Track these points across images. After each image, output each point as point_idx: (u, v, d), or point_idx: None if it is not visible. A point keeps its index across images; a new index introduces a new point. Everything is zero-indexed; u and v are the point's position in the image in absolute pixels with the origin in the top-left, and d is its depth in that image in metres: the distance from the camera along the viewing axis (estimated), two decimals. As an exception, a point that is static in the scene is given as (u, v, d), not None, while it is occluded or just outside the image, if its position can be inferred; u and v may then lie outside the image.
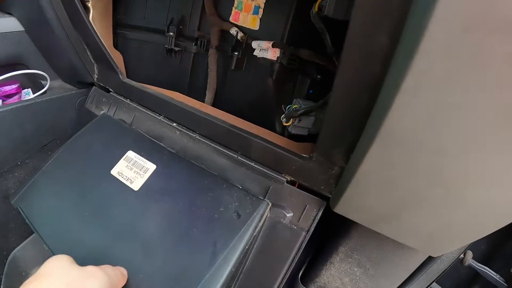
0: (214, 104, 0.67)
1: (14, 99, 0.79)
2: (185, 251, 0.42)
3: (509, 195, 0.28)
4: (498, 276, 0.65)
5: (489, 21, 0.19)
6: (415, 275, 0.52)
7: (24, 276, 0.84)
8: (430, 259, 0.50)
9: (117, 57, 0.70)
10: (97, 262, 0.41)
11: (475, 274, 0.72)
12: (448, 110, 0.23)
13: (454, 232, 0.34)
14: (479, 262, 0.66)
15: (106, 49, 0.64)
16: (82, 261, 0.39)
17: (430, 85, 0.22)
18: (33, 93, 0.77)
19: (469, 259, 0.56)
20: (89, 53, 0.69)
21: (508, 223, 0.31)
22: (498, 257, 0.72)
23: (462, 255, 0.55)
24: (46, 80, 0.78)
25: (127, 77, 0.67)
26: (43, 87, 0.78)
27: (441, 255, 0.50)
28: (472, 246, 0.54)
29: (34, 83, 0.84)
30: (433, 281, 0.53)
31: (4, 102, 0.77)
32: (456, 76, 0.21)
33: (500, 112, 0.22)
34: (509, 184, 0.27)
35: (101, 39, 0.64)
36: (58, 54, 0.74)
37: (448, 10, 0.19)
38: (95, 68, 0.71)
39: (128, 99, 0.65)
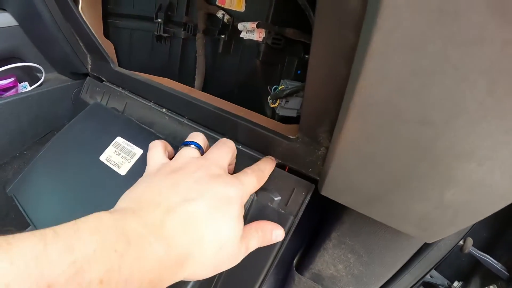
0: (204, 89, 0.66)
1: (11, 92, 0.80)
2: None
3: (506, 171, 0.25)
4: (499, 264, 0.64)
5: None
6: (412, 262, 0.50)
7: None
8: (426, 246, 0.49)
9: (108, 47, 0.70)
10: None
11: (476, 262, 0.71)
12: (422, 73, 0.21)
13: (446, 215, 0.32)
14: (480, 250, 0.65)
15: (97, 39, 0.64)
16: None
17: (399, 46, 0.20)
18: (30, 86, 0.78)
19: (469, 247, 0.55)
20: (81, 44, 0.69)
21: (506, 205, 0.28)
22: (500, 245, 0.70)
23: (461, 242, 0.54)
24: (41, 72, 0.78)
25: (120, 65, 0.67)
26: (39, 80, 0.79)
27: (438, 242, 0.48)
28: (473, 234, 0.52)
29: (31, 76, 0.85)
30: (431, 269, 0.51)
31: (1, 96, 0.78)
32: (426, 33, 0.20)
33: (484, 71, 0.20)
34: (505, 158, 0.24)
35: (91, 29, 0.63)
36: (51, 46, 0.74)
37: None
38: (88, 58, 0.71)
39: (120, 88, 0.65)
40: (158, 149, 0.42)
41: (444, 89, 0.22)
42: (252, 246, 0.38)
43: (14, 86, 0.81)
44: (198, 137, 0.42)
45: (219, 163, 0.39)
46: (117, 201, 0.37)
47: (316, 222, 0.60)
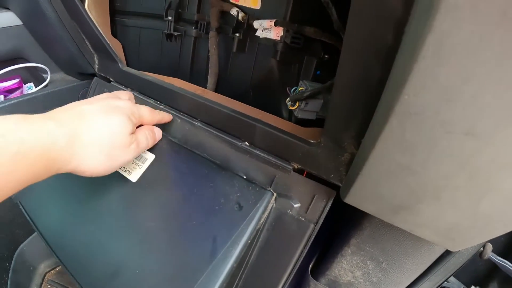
0: (216, 89, 0.64)
1: (16, 94, 0.79)
2: (183, 246, 0.40)
3: None
4: (518, 270, 0.62)
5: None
6: (432, 269, 0.49)
7: (31, 270, 0.85)
8: (448, 252, 0.47)
9: (116, 46, 0.68)
10: (94, 256, 0.43)
11: (493, 267, 0.70)
12: (478, 82, 0.19)
13: (477, 226, 0.31)
14: (498, 255, 0.63)
15: (104, 38, 0.63)
16: (79, 255, 0.39)
17: (455, 50, 0.19)
18: (36, 87, 0.77)
19: (489, 252, 0.54)
20: (88, 43, 0.68)
21: None
22: (517, 250, 0.69)
23: (481, 248, 0.53)
24: (47, 73, 0.77)
25: (128, 65, 0.66)
26: (45, 80, 0.78)
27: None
28: (491, 239, 0.51)
29: (36, 77, 0.85)
30: (450, 275, 0.50)
31: (6, 98, 0.77)
32: (487, 38, 0.18)
33: None
34: None
35: (98, 27, 0.62)
36: (57, 46, 0.73)
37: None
38: (95, 58, 0.70)
39: (128, 88, 0.63)
40: None
41: (496, 99, 0.20)
42: (142, 142, 0.46)
43: (19, 87, 0.80)
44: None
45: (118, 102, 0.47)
46: (128, 207, 0.45)
47: (332, 226, 0.59)
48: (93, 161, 0.39)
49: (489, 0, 0.17)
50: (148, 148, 0.48)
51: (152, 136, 0.48)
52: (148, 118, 0.48)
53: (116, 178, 0.48)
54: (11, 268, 0.79)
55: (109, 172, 0.42)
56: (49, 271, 0.87)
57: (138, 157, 0.49)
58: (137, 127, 0.48)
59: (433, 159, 0.26)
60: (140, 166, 0.47)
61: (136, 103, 0.59)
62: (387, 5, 0.23)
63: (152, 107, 0.56)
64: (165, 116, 0.52)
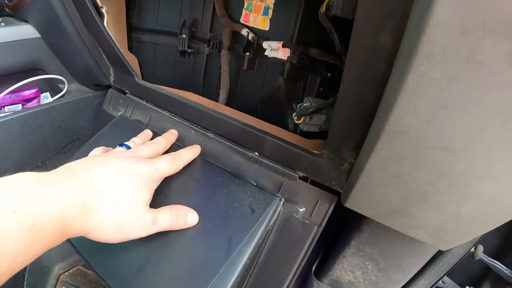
0: (227, 103, 0.68)
1: (33, 103, 0.83)
2: (203, 244, 0.44)
3: None
4: (509, 270, 0.66)
5: (485, 23, 0.20)
6: (426, 268, 0.53)
7: (46, 272, 0.87)
8: (440, 253, 0.51)
9: (132, 60, 0.72)
10: (119, 255, 0.46)
11: (487, 269, 0.73)
12: (449, 108, 0.24)
13: (462, 226, 0.35)
14: (490, 257, 0.67)
15: (122, 53, 0.66)
16: (104, 254, 0.43)
17: (430, 86, 0.23)
18: (51, 97, 0.81)
19: (480, 254, 0.57)
20: (104, 57, 0.72)
21: None
22: (509, 252, 0.73)
23: (473, 250, 0.56)
24: (64, 83, 0.81)
25: (143, 79, 0.69)
26: (61, 91, 0.81)
27: (451, 249, 0.51)
28: (484, 241, 0.55)
29: (52, 87, 0.88)
30: (444, 275, 0.54)
31: (24, 106, 0.81)
32: (455, 77, 0.22)
33: (500, 109, 0.23)
34: None
35: (116, 43, 0.66)
36: (74, 59, 0.77)
37: (445, 14, 0.20)
38: (111, 71, 0.74)
39: (144, 100, 0.67)
40: (96, 151, 0.51)
41: (466, 122, 0.25)
42: (162, 222, 0.43)
43: (36, 96, 0.83)
44: (132, 141, 0.53)
45: (139, 154, 0.47)
46: None
47: (334, 230, 0.62)
48: (104, 231, 0.38)
49: (456, 49, 0.21)
50: (170, 229, 0.45)
51: (178, 220, 0.45)
52: (170, 171, 0.47)
53: None
54: (27, 270, 0.81)
55: (124, 241, 0.40)
56: (63, 272, 0.89)
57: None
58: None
59: (418, 169, 0.31)
60: (159, 173, 0.52)
61: (151, 115, 0.63)
62: (380, 42, 0.28)
63: (167, 119, 0.61)
64: (189, 156, 0.52)
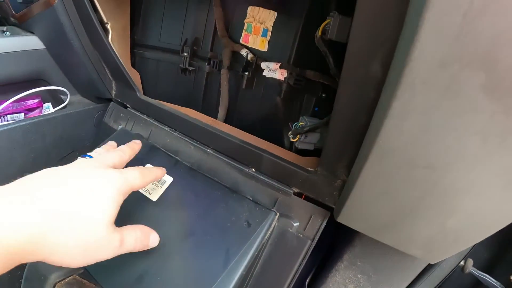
0: (226, 120, 0.70)
1: (36, 112, 0.83)
2: (201, 256, 0.46)
3: (495, 203, 0.31)
4: (498, 283, 0.67)
5: (462, 58, 0.22)
6: (417, 281, 0.54)
7: (43, 280, 0.87)
8: (430, 266, 0.53)
9: (134, 75, 0.74)
10: (119, 264, 0.46)
11: (477, 282, 0.74)
12: (430, 132, 0.27)
13: (448, 239, 0.37)
14: (480, 270, 0.68)
15: (125, 68, 0.68)
16: (104, 264, 0.43)
17: (413, 111, 0.26)
18: (53, 107, 0.82)
19: (470, 267, 0.59)
20: (107, 71, 0.73)
21: (498, 229, 0.34)
22: (499, 265, 0.74)
23: (462, 263, 0.58)
24: (66, 95, 0.82)
25: (144, 94, 0.71)
26: (63, 102, 0.82)
27: (441, 263, 0.53)
28: (474, 254, 0.56)
29: (54, 97, 0.88)
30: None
31: (26, 116, 0.82)
32: (435, 104, 0.25)
33: (477, 132, 0.25)
34: (493, 194, 0.30)
35: (119, 58, 0.68)
36: (77, 71, 0.78)
37: (426, 48, 0.23)
38: (113, 85, 0.75)
39: (145, 115, 0.69)
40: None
41: (447, 143, 0.27)
42: (128, 242, 0.39)
43: (38, 106, 0.84)
44: (95, 151, 0.50)
45: (104, 162, 0.42)
46: (150, 223, 0.43)
47: (327, 244, 0.64)
48: (63, 256, 0.33)
49: (435, 80, 0.24)
50: (132, 251, 0.40)
51: (142, 241, 0.42)
52: (140, 184, 0.42)
53: (137, 197, 0.53)
54: (23, 276, 0.81)
55: (89, 264, 0.36)
56: (59, 281, 0.89)
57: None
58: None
59: (404, 185, 0.33)
60: (160, 187, 0.53)
61: (152, 130, 0.65)
62: (370, 71, 0.31)
63: (167, 134, 0.62)
64: (158, 174, 0.48)
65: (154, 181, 0.52)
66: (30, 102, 0.83)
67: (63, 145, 0.80)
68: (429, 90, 0.24)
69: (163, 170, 0.50)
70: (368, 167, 0.33)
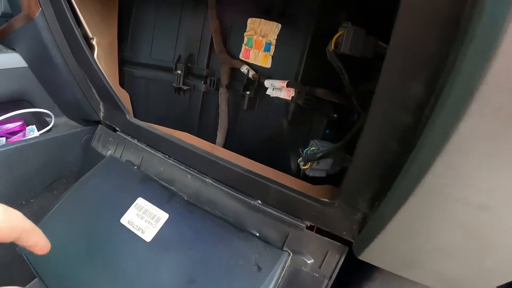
0: (225, 145, 0.66)
1: (19, 136, 0.79)
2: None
3: None
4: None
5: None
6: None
7: None
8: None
9: (123, 96, 0.69)
10: None
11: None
12: (491, 166, 0.22)
13: (480, 279, 0.34)
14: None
15: (112, 88, 0.64)
16: None
17: (478, 146, 0.21)
18: (38, 130, 0.77)
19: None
20: (94, 91, 0.69)
21: None
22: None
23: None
24: (51, 117, 0.78)
25: (135, 116, 0.67)
26: (48, 124, 0.78)
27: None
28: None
29: (39, 119, 0.85)
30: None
31: (8, 140, 0.77)
32: (502, 134, 0.20)
33: None
34: None
35: (106, 77, 0.64)
36: (62, 91, 0.74)
37: (503, 71, 0.18)
38: (100, 106, 0.71)
39: (135, 139, 0.64)
40: None
41: (506, 179, 0.23)
42: None
43: (21, 130, 0.80)
44: None
45: None
46: (143, 268, 0.40)
47: (342, 276, 0.60)
48: None
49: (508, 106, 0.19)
50: None
51: None
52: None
53: (129, 236, 0.48)
54: None
55: None
56: None
57: (151, 216, 0.49)
58: None
59: (448, 227, 0.29)
60: (154, 225, 0.48)
61: (143, 156, 0.59)
62: (411, 92, 0.26)
63: (161, 161, 0.57)
64: (39, 241, 0.35)
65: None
66: (11, 125, 0.79)
67: (48, 172, 0.76)
68: (499, 118, 0.19)
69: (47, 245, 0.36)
70: (408, 206, 0.28)
